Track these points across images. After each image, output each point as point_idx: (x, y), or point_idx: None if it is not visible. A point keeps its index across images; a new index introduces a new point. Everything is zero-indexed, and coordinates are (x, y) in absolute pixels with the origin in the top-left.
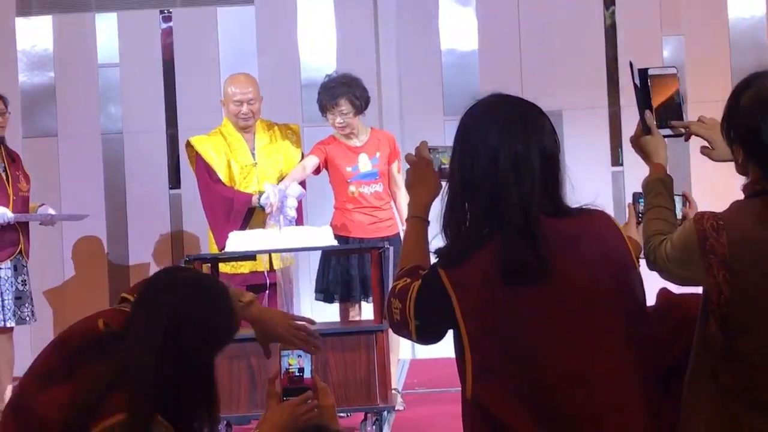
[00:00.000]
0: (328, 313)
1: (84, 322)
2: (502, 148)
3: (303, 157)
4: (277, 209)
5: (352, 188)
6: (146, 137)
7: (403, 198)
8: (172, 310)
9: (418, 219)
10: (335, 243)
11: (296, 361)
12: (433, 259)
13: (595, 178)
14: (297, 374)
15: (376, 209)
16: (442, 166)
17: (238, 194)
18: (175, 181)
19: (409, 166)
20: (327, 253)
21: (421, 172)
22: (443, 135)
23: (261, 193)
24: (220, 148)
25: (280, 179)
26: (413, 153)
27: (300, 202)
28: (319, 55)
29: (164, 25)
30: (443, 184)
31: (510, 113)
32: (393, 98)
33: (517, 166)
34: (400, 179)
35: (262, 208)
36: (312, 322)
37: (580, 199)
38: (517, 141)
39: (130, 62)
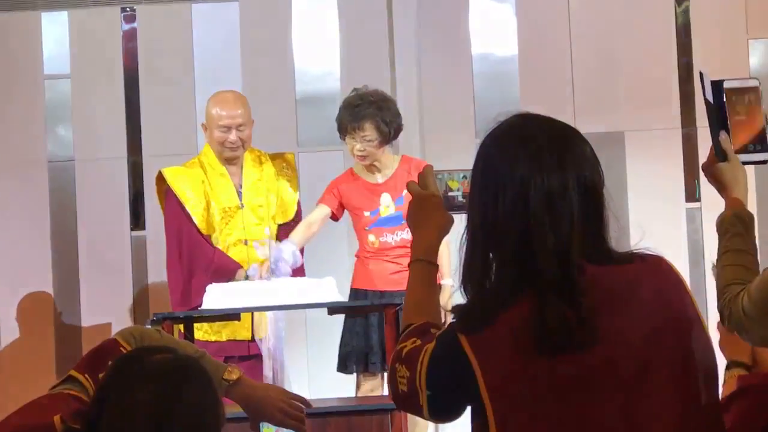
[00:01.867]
0: (334, 385)
1: (33, 416)
2: (532, 182)
3: (299, 196)
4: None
5: (371, 237)
6: (103, 166)
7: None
8: (149, 413)
9: (423, 263)
10: (339, 298)
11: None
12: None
13: (664, 216)
14: None
15: (404, 257)
16: (450, 194)
17: (222, 257)
18: (138, 220)
19: (411, 198)
20: (348, 314)
21: (426, 205)
22: (472, 158)
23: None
24: (199, 186)
25: (275, 232)
26: (416, 181)
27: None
28: (318, 62)
29: (126, 26)
30: (454, 217)
31: (541, 137)
32: (411, 115)
33: (551, 204)
34: None
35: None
36: (308, 405)
37: (645, 243)
38: (551, 172)
39: (83, 72)
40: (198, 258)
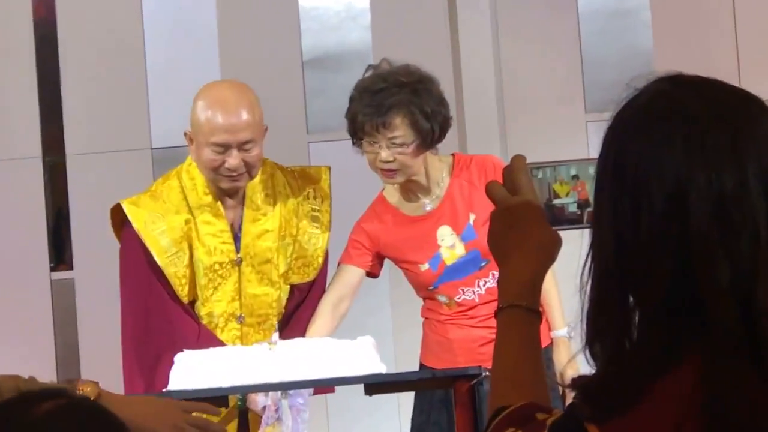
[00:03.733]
0: None
1: None
2: (693, 183)
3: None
4: (273, 413)
5: (442, 299)
6: (9, 169)
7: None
8: None
9: (517, 310)
10: (382, 368)
11: None
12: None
13: None
14: None
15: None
16: (557, 201)
17: (209, 339)
18: (61, 255)
19: (493, 209)
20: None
21: (518, 219)
22: (585, 146)
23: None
24: (179, 227)
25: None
26: (498, 180)
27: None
28: (335, 9)
29: None
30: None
31: (705, 113)
32: (483, 87)
33: (724, 215)
34: None
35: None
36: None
37: None
38: (721, 167)
39: None
40: (172, 338)
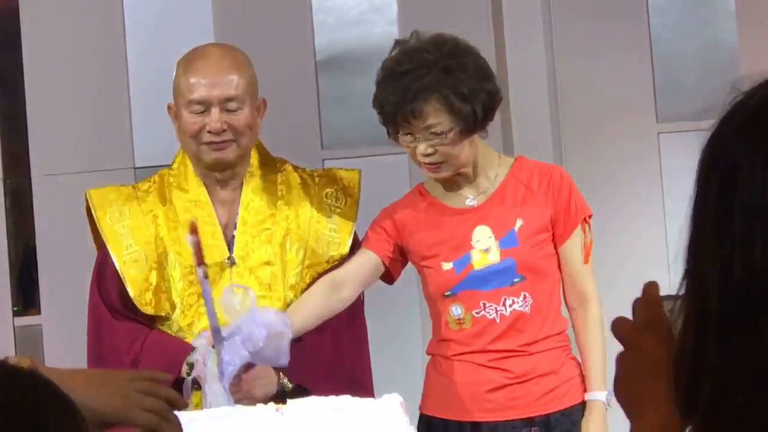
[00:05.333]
0: None
1: None
2: None
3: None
4: (212, 374)
5: (455, 310)
6: None
7: (592, 326)
8: None
9: None
10: None
11: None
12: None
13: None
14: None
15: (514, 356)
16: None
17: (163, 339)
18: (28, 297)
19: (621, 351)
20: None
21: (652, 360)
22: (657, 162)
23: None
24: (145, 224)
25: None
26: (626, 317)
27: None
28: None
29: None
30: None
31: None
32: (534, 92)
33: None
34: (585, 279)
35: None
36: (184, 404)
37: None
38: None
39: None
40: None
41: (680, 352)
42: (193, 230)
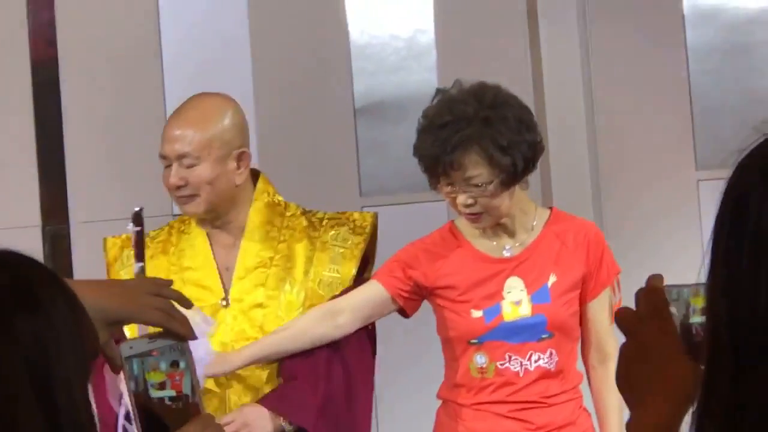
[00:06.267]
0: None
1: None
2: None
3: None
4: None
5: (479, 359)
6: (3, 239)
7: (613, 384)
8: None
9: None
10: None
11: (164, 372)
12: None
13: None
14: (174, 397)
15: (535, 407)
16: (695, 323)
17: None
18: None
19: (624, 340)
20: None
21: (653, 352)
22: (697, 210)
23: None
24: (152, 264)
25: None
26: (630, 307)
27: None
28: (394, 36)
29: None
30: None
31: None
32: (572, 140)
33: None
34: (610, 338)
35: None
36: (189, 303)
37: None
38: None
39: None
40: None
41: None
42: (137, 221)
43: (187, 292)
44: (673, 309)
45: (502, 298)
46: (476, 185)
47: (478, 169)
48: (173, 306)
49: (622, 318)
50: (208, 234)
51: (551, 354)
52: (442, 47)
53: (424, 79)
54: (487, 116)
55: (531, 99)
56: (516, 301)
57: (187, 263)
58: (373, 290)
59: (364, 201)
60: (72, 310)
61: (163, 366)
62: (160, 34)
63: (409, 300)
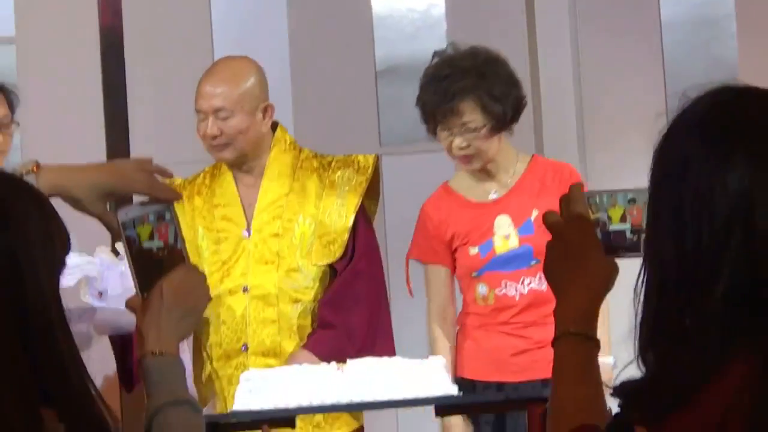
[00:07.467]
0: None
1: None
2: (758, 194)
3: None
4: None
5: (481, 289)
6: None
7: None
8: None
9: (576, 339)
10: (453, 389)
11: (152, 224)
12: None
13: None
14: (162, 247)
15: (533, 326)
16: (612, 228)
17: None
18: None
19: (550, 238)
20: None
21: (576, 248)
22: None
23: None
24: (190, 204)
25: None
26: (555, 210)
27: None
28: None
29: None
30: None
31: (766, 125)
32: (562, 98)
33: None
34: None
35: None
36: (169, 173)
37: None
38: None
39: (35, 38)
40: None
41: (644, 313)
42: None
43: (217, 224)
44: (592, 213)
45: (493, 234)
46: (471, 129)
47: (473, 115)
48: (155, 177)
49: (548, 220)
50: (234, 176)
51: (540, 277)
52: (451, 18)
53: (435, 46)
54: (482, 71)
55: (527, 66)
56: (505, 235)
57: (217, 201)
58: (441, 274)
59: (383, 150)
60: (43, 218)
61: (152, 219)
62: (210, 5)
63: (454, 260)
